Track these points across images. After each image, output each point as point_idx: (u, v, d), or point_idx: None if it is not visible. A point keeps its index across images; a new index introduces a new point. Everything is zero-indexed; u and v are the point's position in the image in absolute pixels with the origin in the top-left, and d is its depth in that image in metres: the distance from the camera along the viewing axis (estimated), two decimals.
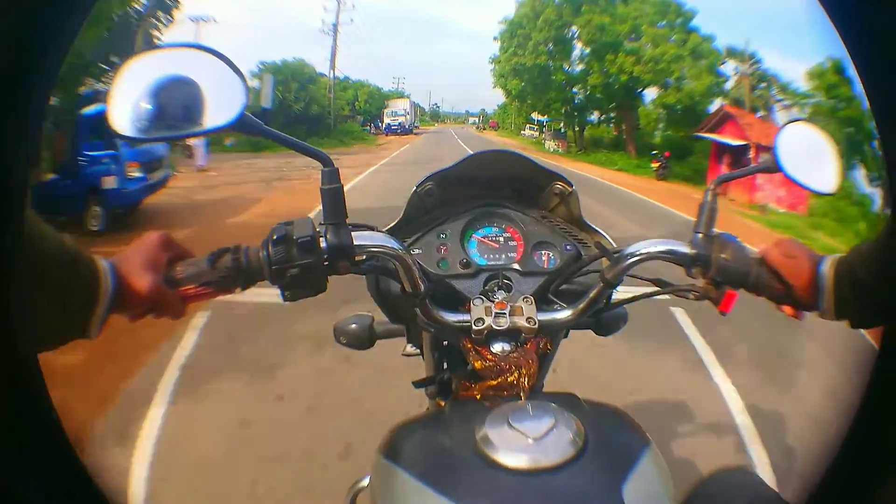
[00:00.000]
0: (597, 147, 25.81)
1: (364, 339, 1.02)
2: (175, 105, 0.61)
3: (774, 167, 0.73)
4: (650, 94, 23.04)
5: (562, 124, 29.46)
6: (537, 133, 38.23)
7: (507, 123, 63.19)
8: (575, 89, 26.27)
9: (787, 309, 0.71)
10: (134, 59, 0.61)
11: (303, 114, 23.88)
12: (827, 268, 0.64)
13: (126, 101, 0.59)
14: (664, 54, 20.24)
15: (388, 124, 39.38)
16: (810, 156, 0.73)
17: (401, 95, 51.06)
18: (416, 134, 42.66)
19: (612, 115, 26.28)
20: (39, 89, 0.47)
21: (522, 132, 44.76)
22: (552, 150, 26.92)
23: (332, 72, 28.75)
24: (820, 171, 0.74)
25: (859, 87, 0.53)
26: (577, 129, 28.10)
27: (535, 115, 34.41)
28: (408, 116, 41.97)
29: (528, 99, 29.36)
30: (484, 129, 71.14)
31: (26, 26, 0.44)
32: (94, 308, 0.56)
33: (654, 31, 21.28)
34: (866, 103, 0.53)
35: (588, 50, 23.88)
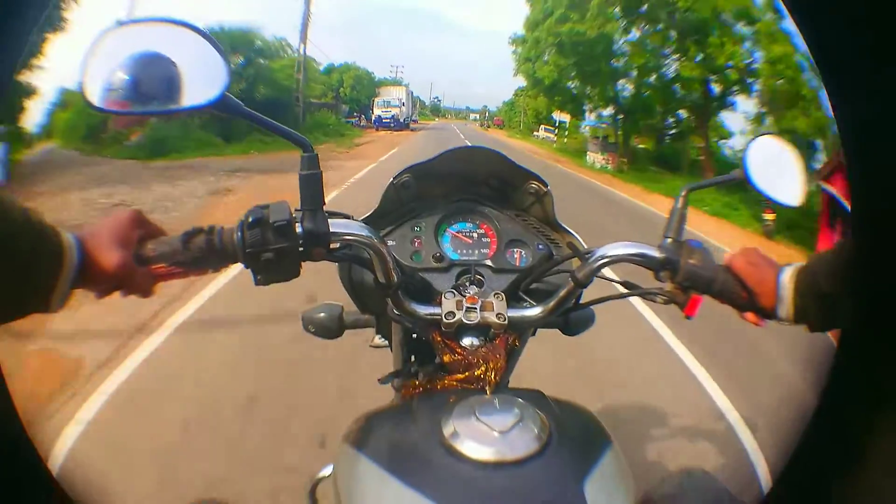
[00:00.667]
0: (639, 163, 18.58)
1: (333, 329, 1.01)
2: (154, 81, 0.60)
3: (743, 178, 0.75)
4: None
5: (615, 132, 21.04)
6: (555, 135, 34.38)
7: (515, 122, 58.74)
8: (650, 79, 17.99)
9: (749, 316, 0.73)
10: (114, 31, 0.59)
11: (248, 96, 16.16)
12: (787, 277, 0.67)
13: (102, 73, 0.58)
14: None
15: (379, 116, 33.21)
16: (778, 168, 0.76)
17: (397, 83, 43.49)
18: (412, 130, 35.87)
19: (681, 123, 18.58)
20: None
21: (535, 133, 39.94)
22: (598, 165, 18.92)
23: (302, 45, 20.52)
24: (786, 183, 0.76)
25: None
26: (625, 136, 20.23)
27: (556, 115, 30.91)
28: (403, 108, 35.22)
29: (560, 92, 22.22)
30: (488, 126, 67.05)
31: None
32: (56, 282, 0.55)
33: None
34: (829, 111, 0.54)
35: (676, 29, 16.13)
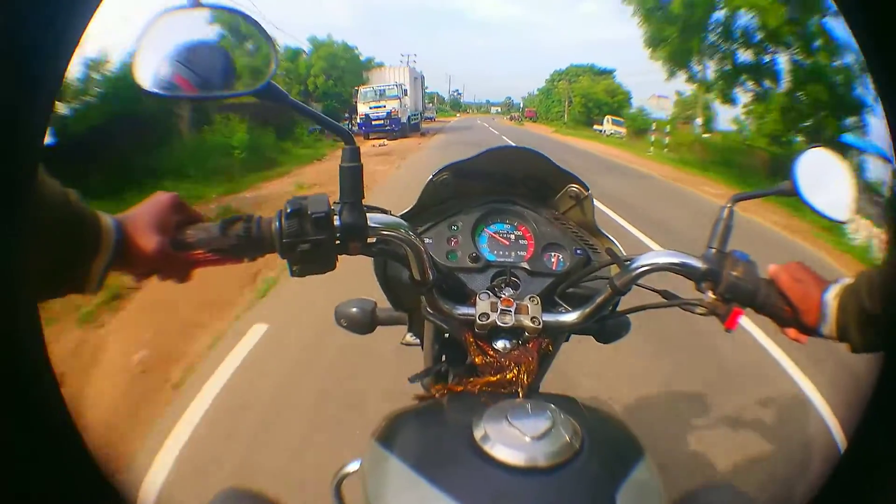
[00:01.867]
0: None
1: (365, 324, 1.02)
2: (203, 66, 0.61)
3: (792, 191, 0.73)
4: None
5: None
6: (624, 131, 27.52)
7: (554, 112, 51.43)
8: None
9: (791, 332, 0.71)
10: (164, 17, 0.60)
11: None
12: (832, 295, 0.65)
13: (153, 57, 0.59)
14: None
15: (367, 116, 21.54)
16: (827, 182, 0.74)
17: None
18: (423, 134, 23.95)
19: None
20: (63, 45, 0.47)
21: (598, 127, 32.10)
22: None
23: None
24: (836, 197, 0.74)
25: None
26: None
27: (652, 102, 24.53)
28: (405, 100, 23.11)
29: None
30: (522, 120, 58.64)
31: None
32: (94, 262, 0.56)
33: None
34: (883, 116, 0.52)
35: None
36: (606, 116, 32.90)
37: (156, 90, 0.59)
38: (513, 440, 0.58)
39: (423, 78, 31.62)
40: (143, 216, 0.62)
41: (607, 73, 52.24)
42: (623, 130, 28.64)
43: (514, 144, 0.92)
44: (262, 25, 0.61)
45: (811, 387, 3.09)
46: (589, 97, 42.54)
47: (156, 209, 0.63)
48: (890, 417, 0.52)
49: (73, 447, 0.50)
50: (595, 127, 34.17)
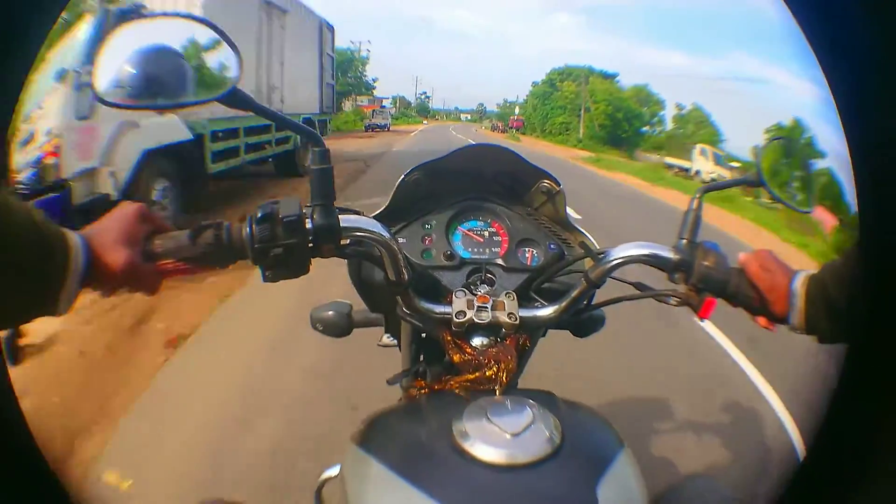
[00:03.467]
0: None
1: (341, 327, 1.01)
2: (163, 74, 0.59)
3: (757, 181, 0.75)
4: None
5: None
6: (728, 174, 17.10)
7: (555, 125, 40.54)
8: None
9: (761, 320, 0.72)
10: (124, 27, 0.59)
11: None
12: (799, 284, 0.66)
13: (112, 68, 0.58)
14: None
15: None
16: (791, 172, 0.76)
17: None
18: (367, 164, 12.51)
19: None
20: (15, 74, 0.46)
21: (676, 162, 21.86)
22: None
23: None
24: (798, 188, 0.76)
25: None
26: None
27: None
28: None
29: None
30: (504, 130, 52.36)
31: None
32: (63, 284, 0.54)
33: None
34: (837, 120, 0.54)
35: None
36: (698, 145, 22.68)
37: (117, 102, 0.58)
38: (493, 437, 0.58)
39: (330, 31, 11.95)
40: (109, 230, 0.60)
41: (610, 77, 43.43)
42: (727, 173, 18.46)
43: (485, 143, 0.92)
44: (225, 32, 0.60)
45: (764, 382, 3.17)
46: (616, 105, 33.85)
47: (122, 221, 0.61)
48: (853, 408, 0.53)
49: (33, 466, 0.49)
50: (668, 160, 23.81)
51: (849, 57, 0.52)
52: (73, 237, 0.56)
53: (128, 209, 0.62)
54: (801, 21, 0.55)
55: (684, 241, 0.73)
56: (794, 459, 0.57)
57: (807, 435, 0.56)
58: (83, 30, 3.96)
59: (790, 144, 0.78)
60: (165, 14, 0.62)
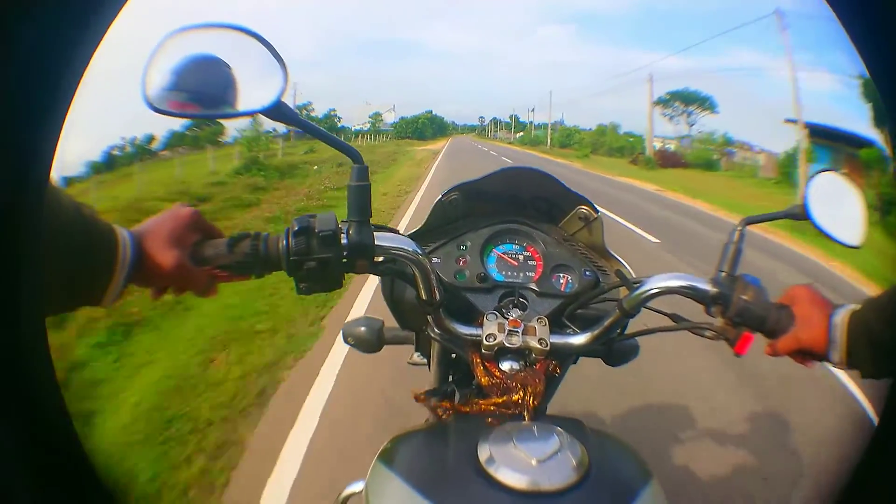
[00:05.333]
0: None
1: (372, 343, 1.02)
2: (211, 85, 0.61)
3: (803, 215, 0.72)
4: None
5: None
6: None
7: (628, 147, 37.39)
8: None
9: (798, 357, 0.70)
10: (175, 36, 0.60)
11: None
12: (840, 319, 0.64)
13: (163, 77, 0.59)
14: None
15: None
16: (839, 206, 0.73)
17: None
18: None
19: None
20: (77, 60, 0.47)
21: None
22: None
23: None
24: (847, 222, 0.73)
25: None
26: None
27: None
28: None
29: None
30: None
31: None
32: (110, 278, 0.56)
33: None
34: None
35: None
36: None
37: (166, 109, 0.59)
38: (518, 463, 0.57)
39: None
40: (160, 230, 0.62)
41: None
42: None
43: (523, 166, 0.91)
44: (272, 44, 0.61)
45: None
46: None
47: (174, 223, 0.63)
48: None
49: (74, 458, 0.50)
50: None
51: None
52: (122, 233, 0.58)
53: (181, 212, 0.64)
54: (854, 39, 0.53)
55: (723, 273, 0.72)
56: (833, 496, 0.54)
57: (846, 469, 0.54)
58: None
59: (839, 177, 0.76)
60: (214, 25, 0.62)
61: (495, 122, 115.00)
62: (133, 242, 0.58)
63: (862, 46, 0.52)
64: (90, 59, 0.49)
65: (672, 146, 34.47)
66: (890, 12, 0.48)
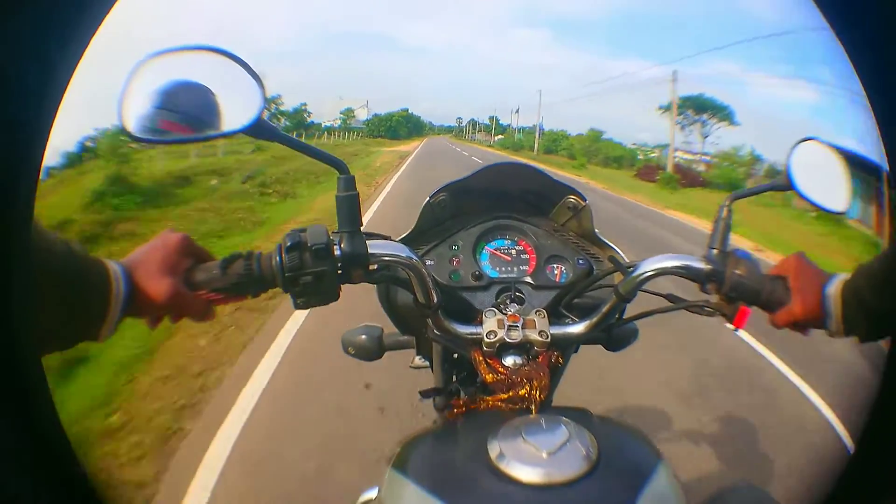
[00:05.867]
0: None
1: (372, 350, 1.01)
2: (189, 108, 0.60)
3: (788, 185, 0.73)
4: None
5: None
6: None
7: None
8: None
9: (795, 326, 0.71)
10: (149, 61, 0.60)
11: None
12: (833, 288, 0.65)
13: (139, 103, 0.59)
14: None
15: None
16: (822, 174, 0.74)
17: None
18: None
19: None
20: (49, 98, 0.47)
21: None
22: None
23: None
24: (831, 189, 0.74)
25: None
26: None
27: None
28: None
29: None
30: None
31: (35, 32, 0.44)
32: (106, 313, 0.56)
33: None
34: (871, 117, 0.53)
35: None
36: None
37: (144, 136, 0.59)
38: (529, 457, 0.57)
39: None
40: (151, 259, 0.61)
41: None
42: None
43: (509, 161, 0.92)
44: (248, 64, 0.61)
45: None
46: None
47: (164, 251, 0.62)
48: None
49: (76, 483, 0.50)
50: None
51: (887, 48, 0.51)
52: (113, 266, 0.57)
53: (170, 238, 0.64)
54: (831, 20, 0.54)
55: (715, 250, 0.72)
56: (841, 460, 0.55)
57: (853, 434, 0.55)
58: None
59: (819, 145, 0.76)
60: (188, 48, 0.62)
61: (473, 123, 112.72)
62: (125, 275, 0.58)
63: (856, 59, 0.53)
64: (74, 70, 0.49)
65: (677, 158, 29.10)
66: (884, 24, 0.49)
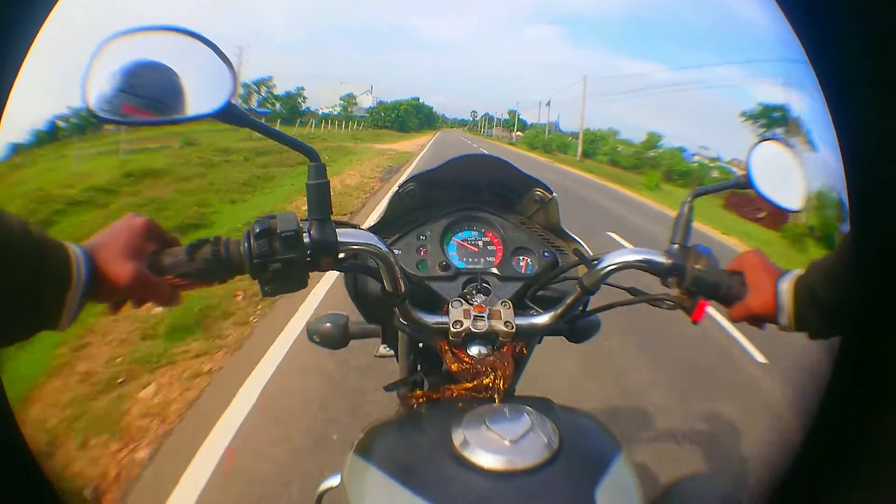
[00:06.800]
0: None
1: (338, 339, 1.01)
2: (156, 90, 0.59)
3: (747, 183, 0.76)
4: None
5: None
6: None
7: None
8: None
9: (750, 320, 0.73)
10: (116, 40, 0.58)
11: None
12: (786, 284, 0.67)
13: (104, 82, 0.57)
14: None
15: None
16: (779, 174, 0.77)
17: None
18: None
19: None
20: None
21: None
22: None
23: None
24: (788, 188, 0.77)
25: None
26: None
27: None
28: None
29: None
30: None
31: None
32: (64, 298, 0.53)
33: None
34: (828, 118, 0.55)
35: None
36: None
37: (111, 117, 0.58)
38: (492, 444, 0.58)
39: None
40: (114, 242, 0.59)
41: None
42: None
43: (479, 153, 0.92)
44: (218, 46, 0.60)
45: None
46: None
47: (128, 234, 0.60)
48: (847, 400, 0.54)
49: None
50: None
51: (836, 49, 0.53)
52: (74, 249, 0.55)
53: (134, 222, 0.62)
54: (793, 22, 0.56)
55: (676, 245, 0.75)
56: (792, 452, 0.58)
57: (803, 428, 0.57)
58: None
59: (778, 145, 0.79)
60: (156, 28, 0.60)
61: (488, 118, 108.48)
62: (86, 258, 0.56)
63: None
64: (18, 70, 0.48)
65: None
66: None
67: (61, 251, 0.54)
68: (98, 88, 0.57)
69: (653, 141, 34.04)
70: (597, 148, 37.41)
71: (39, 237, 0.52)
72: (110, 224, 0.62)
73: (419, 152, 23.62)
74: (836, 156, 0.54)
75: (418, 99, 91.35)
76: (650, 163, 30.05)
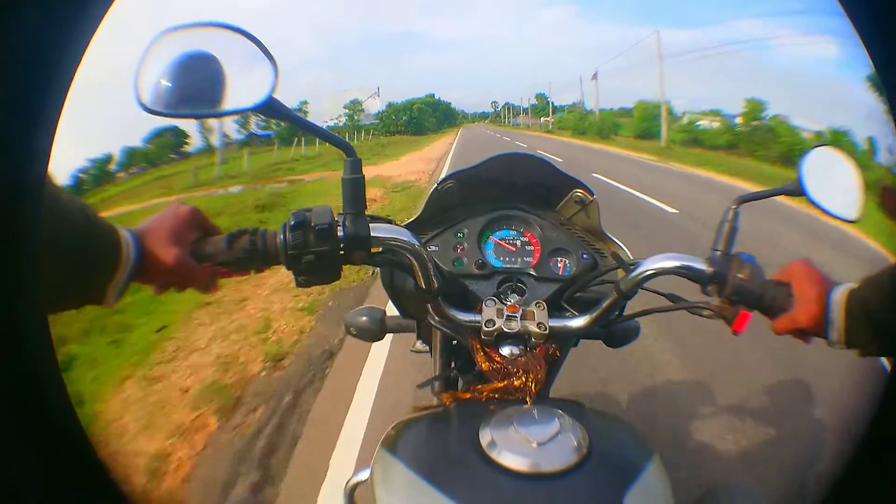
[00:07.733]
0: None
1: (374, 332, 1.03)
2: (202, 84, 0.61)
3: (798, 190, 0.72)
4: None
5: None
6: None
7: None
8: None
9: (797, 334, 0.70)
10: (164, 36, 0.61)
11: None
12: (838, 297, 0.64)
13: (153, 77, 0.60)
14: None
15: None
16: (835, 181, 0.73)
17: None
18: None
19: None
20: (68, 56, 0.48)
21: None
22: None
23: None
24: (843, 197, 0.73)
25: None
26: None
27: None
28: None
29: None
30: None
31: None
32: (113, 276, 0.58)
33: None
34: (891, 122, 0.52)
35: None
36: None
37: (158, 109, 0.60)
38: (519, 446, 0.58)
39: None
40: (161, 229, 0.63)
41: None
42: None
43: (519, 152, 0.91)
44: (261, 41, 0.61)
45: None
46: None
47: (174, 221, 0.64)
48: None
49: (79, 450, 0.51)
50: None
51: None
52: (124, 233, 0.60)
53: (180, 210, 0.66)
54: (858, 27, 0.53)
55: (718, 252, 0.72)
56: (838, 469, 0.55)
57: (851, 444, 0.54)
58: None
59: (834, 151, 0.75)
60: (202, 24, 0.63)
61: (509, 107, 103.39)
62: (135, 241, 0.60)
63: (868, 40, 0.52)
64: (81, 57, 0.50)
65: None
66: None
67: (114, 234, 0.58)
68: (147, 84, 0.59)
69: (756, 110, 23.15)
70: (658, 125, 27.52)
71: (94, 219, 0.57)
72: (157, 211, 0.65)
73: (443, 166, 14.31)
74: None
75: (433, 95, 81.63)
76: (754, 139, 21.03)
